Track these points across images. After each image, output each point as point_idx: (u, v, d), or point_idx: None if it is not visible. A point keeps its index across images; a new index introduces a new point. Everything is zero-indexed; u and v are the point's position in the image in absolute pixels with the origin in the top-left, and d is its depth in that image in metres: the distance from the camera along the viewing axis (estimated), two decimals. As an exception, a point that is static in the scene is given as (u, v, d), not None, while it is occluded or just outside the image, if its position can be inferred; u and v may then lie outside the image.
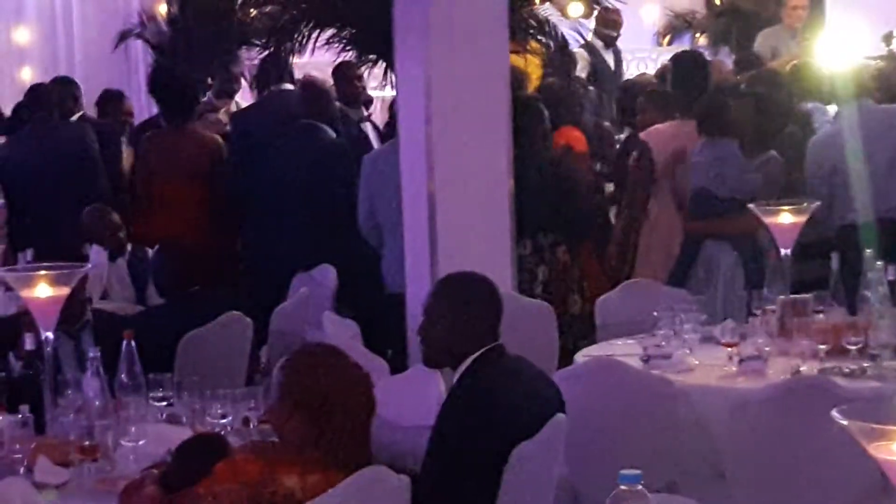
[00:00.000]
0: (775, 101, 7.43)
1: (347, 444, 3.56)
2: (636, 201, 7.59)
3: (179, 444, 3.74)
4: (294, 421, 3.55)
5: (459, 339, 4.32)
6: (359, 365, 3.74)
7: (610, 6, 9.65)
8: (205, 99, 9.97)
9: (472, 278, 4.49)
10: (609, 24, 11.44)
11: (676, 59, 8.41)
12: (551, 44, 8.00)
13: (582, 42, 9.21)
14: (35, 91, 8.80)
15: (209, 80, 10.44)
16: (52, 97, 8.61)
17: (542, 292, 6.98)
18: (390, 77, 7.54)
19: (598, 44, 11.40)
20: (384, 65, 7.75)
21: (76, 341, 5.19)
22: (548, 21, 7.92)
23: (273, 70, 8.36)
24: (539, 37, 7.80)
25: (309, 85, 8.06)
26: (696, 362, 5.34)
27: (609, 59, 11.52)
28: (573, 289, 7.10)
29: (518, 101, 6.86)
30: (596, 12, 11.32)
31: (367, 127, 8.88)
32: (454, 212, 6.31)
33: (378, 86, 8.46)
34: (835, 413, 2.48)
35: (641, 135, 7.74)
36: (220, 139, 8.06)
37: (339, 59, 8.31)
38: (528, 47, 7.94)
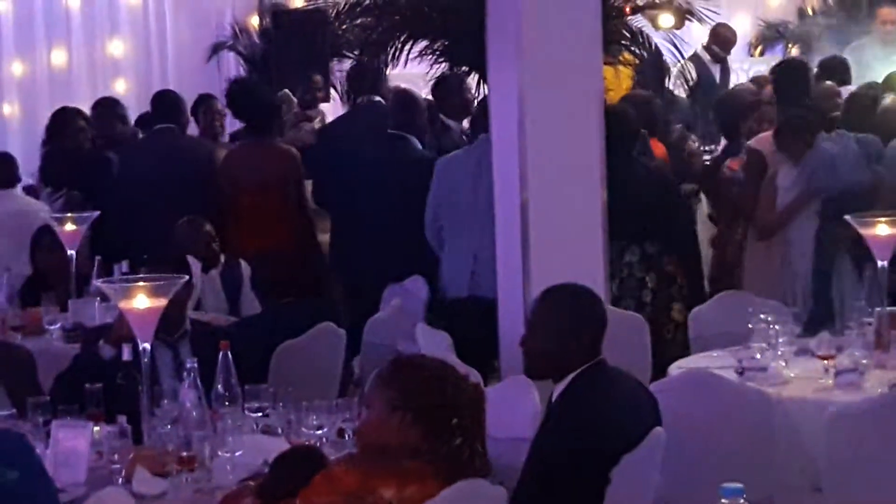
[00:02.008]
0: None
1: (461, 458, 3.56)
2: (740, 207, 7.58)
3: (276, 456, 3.76)
4: (405, 432, 3.53)
5: (563, 351, 4.33)
6: (473, 380, 3.75)
7: (708, 19, 9.57)
8: (295, 110, 10.05)
9: (578, 291, 4.49)
10: (720, 41, 11.33)
11: (778, 70, 8.36)
12: (644, 55, 7.97)
13: (677, 54, 9.13)
14: (162, 100, 8.76)
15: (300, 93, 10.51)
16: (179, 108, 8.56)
17: (650, 300, 6.97)
18: (483, 88, 7.56)
19: (706, 58, 11.36)
20: (477, 76, 7.77)
21: (174, 351, 5.24)
22: (641, 32, 7.90)
23: (365, 81, 8.41)
24: (632, 48, 7.78)
25: (399, 96, 8.10)
26: (792, 375, 5.30)
27: (716, 72, 11.46)
28: (677, 297, 7.08)
29: (609, 109, 6.86)
30: (709, 28, 11.24)
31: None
32: (547, 221, 6.30)
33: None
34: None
35: (750, 142, 7.71)
36: (296, 152, 8.13)
37: (435, 71, 8.33)
38: (621, 58, 7.92)
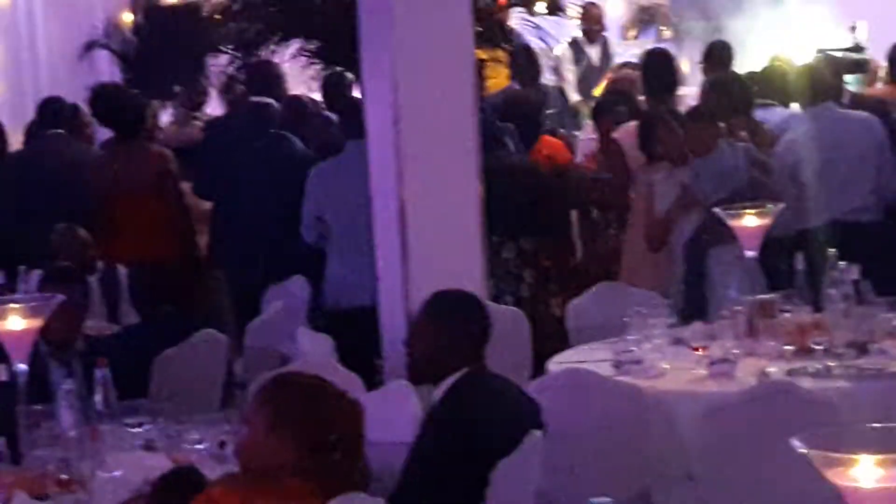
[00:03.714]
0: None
1: (340, 473, 3.60)
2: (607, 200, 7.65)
3: (155, 480, 3.77)
4: (284, 450, 3.55)
5: (445, 356, 4.39)
6: (351, 396, 3.78)
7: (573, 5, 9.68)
8: (171, 110, 9.98)
9: (463, 297, 4.56)
10: (587, 19, 11.54)
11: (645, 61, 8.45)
12: (517, 50, 8.05)
13: (544, 45, 9.23)
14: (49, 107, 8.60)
15: (176, 90, 10.44)
16: None
17: (529, 295, 7.04)
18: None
19: (584, 41, 11.52)
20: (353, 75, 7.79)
21: (69, 369, 5.20)
22: (511, 29, 7.97)
23: (260, 78, 8.35)
24: (504, 44, 7.85)
25: (287, 96, 8.12)
26: (667, 366, 5.39)
27: (594, 52, 11.62)
28: (555, 292, 7.17)
29: (485, 106, 6.93)
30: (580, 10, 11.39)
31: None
32: (425, 221, 6.35)
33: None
34: (794, 441, 2.53)
35: (614, 134, 7.79)
36: (169, 152, 8.08)
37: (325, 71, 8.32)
38: (494, 55, 7.99)
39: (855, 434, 2.60)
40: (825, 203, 7.01)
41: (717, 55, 8.92)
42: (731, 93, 7.64)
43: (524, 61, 8.83)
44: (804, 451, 2.50)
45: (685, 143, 6.84)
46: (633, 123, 7.79)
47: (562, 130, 9.28)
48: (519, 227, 7.02)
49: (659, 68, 8.10)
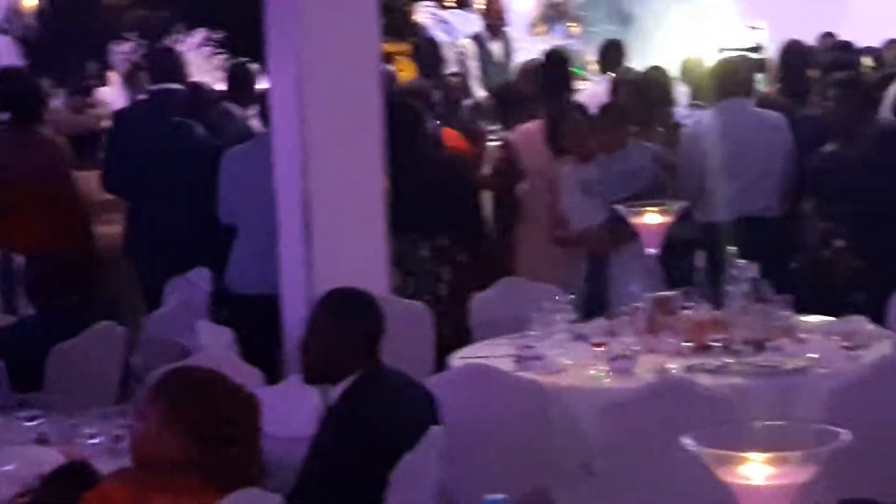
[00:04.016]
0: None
1: (236, 468, 3.57)
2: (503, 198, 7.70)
3: (46, 475, 3.72)
4: (178, 445, 3.52)
5: (340, 356, 4.37)
6: (248, 390, 3.75)
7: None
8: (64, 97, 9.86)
9: (355, 295, 4.53)
10: (489, 13, 11.62)
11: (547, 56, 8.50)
12: (421, 43, 8.06)
13: (449, 39, 9.25)
14: None
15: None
16: None
17: (447, 293, 7.04)
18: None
19: (487, 35, 11.57)
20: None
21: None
22: (416, 23, 7.98)
23: (162, 66, 8.27)
24: (410, 37, 7.85)
25: (189, 84, 8.05)
26: (568, 362, 5.42)
27: (497, 47, 11.67)
28: (475, 287, 7.18)
29: (396, 102, 6.92)
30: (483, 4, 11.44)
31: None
32: (329, 213, 6.34)
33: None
34: (686, 440, 2.55)
35: (512, 134, 7.83)
36: (62, 140, 7.96)
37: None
38: (404, 49, 8.00)
39: (745, 432, 2.63)
40: (731, 199, 7.06)
41: (612, 54, 8.99)
42: (647, 90, 7.70)
43: (428, 54, 8.83)
44: (695, 449, 2.52)
45: (593, 139, 6.89)
46: (534, 122, 7.85)
47: (480, 123, 9.30)
48: (434, 224, 7.00)
49: (555, 67, 8.15)
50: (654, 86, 7.46)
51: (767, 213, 7.11)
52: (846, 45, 9.90)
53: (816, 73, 8.61)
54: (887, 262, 6.40)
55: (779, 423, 2.69)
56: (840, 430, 2.53)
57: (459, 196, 7.18)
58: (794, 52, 8.94)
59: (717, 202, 7.07)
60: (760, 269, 5.67)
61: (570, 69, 8.22)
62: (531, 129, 7.87)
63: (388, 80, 7.89)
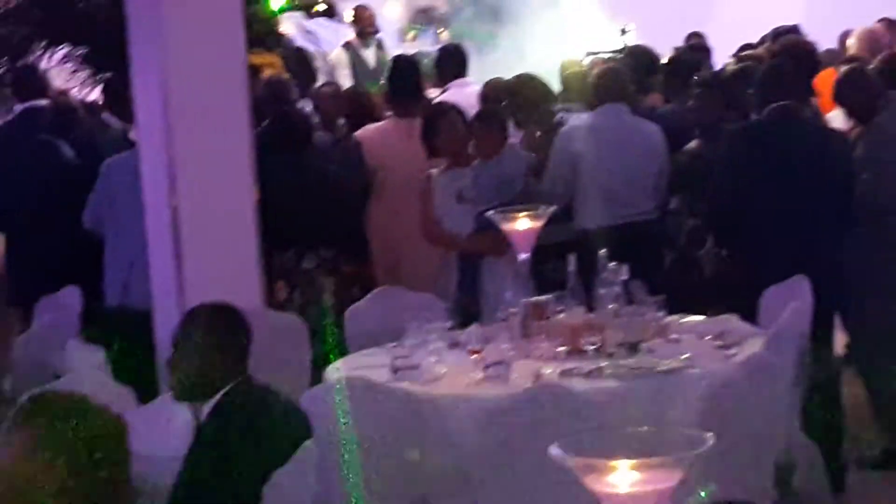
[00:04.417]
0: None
1: (105, 492, 3.50)
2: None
3: None
4: (45, 472, 3.45)
5: (209, 372, 4.35)
6: (113, 411, 3.69)
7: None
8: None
9: (220, 310, 4.49)
10: (359, 20, 11.61)
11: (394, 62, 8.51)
12: (292, 55, 8.02)
13: (315, 50, 9.21)
14: None
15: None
16: None
17: (332, 303, 7.00)
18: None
19: (358, 43, 11.58)
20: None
21: None
22: (284, 34, 7.95)
23: (29, 85, 8.13)
24: (276, 48, 7.82)
25: (57, 101, 7.95)
26: (444, 370, 5.41)
27: (369, 55, 11.66)
28: (359, 297, 7.15)
29: (283, 113, 6.91)
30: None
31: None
32: (199, 226, 6.27)
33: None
34: (553, 449, 2.55)
35: (357, 133, 7.86)
36: None
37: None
38: (272, 60, 7.96)
39: (613, 438, 2.64)
40: (608, 204, 7.10)
41: (451, 59, 8.99)
42: (527, 95, 7.72)
43: (297, 65, 8.81)
44: (562, 457, 2.52)
45: (470, 142, 6.90)
46: (387, 121, 7.90)
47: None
48: (318, 236, 6.97)
49: (403, 72, 8.16)
50: (528, 89, 7.49)
51: (642, 218, 7.16)
52: (701, 46, 10.01)
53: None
54: (754, 258, 6.47)
55: (645, 428, 2.70)
56: (705, 433, 2.54)
57: (343, 207, 7.15)
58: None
59: (594, 207, 7.10)
60: (635, 271, 5.72)
61: (420, 74, 8.24)
62: (382, 127, 7.92)
63: (284, 89, 7.85)
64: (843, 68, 7.67)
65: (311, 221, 6.82)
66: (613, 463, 2.48)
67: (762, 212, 6.47)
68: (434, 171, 7.06)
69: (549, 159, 7.23)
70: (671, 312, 5.76)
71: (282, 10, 7.92)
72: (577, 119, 7.61)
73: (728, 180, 6.60)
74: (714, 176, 6.71)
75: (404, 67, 8.23)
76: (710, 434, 2.53)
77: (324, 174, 7.28)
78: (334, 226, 7.03)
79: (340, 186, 7.33)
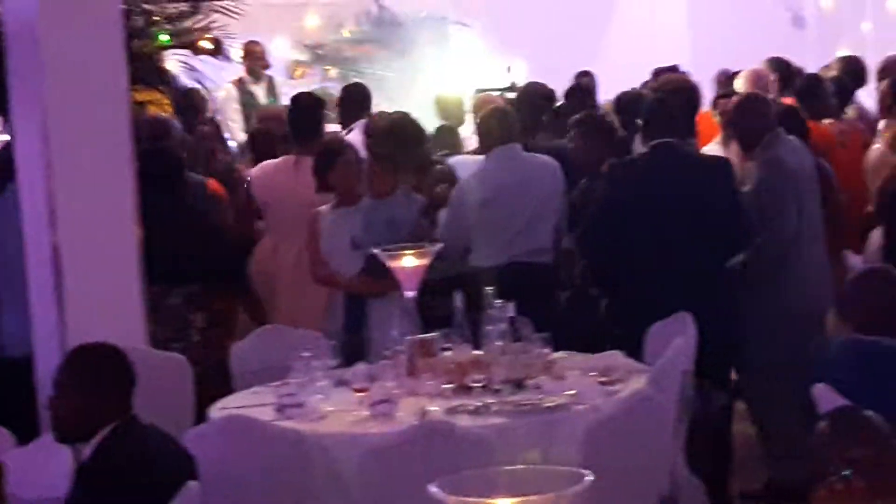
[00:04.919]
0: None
1: None
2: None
3: None
4: None
5: (90, 412, 4.31)
6: None
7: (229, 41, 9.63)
8: None
9: (102, 351, 4.45)
10: (249, 56, 11.60)
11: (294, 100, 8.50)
12: (177, 92, 7.97)
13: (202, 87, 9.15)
14: None
15: None
16: None
17: (200, 340, 6.93)
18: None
19: (249, 79, 11.57)
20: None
21: None
22: (166, 71, 7.89)
23: None
24: (161, 86, 7.76)
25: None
26: (330, 409, 5.39)
27: (260, 91, 11.65)
28: (233, 334, 7.09)
29: (157, 150, 6.85)
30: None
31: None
32: (81, 267, 6.17)
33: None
34: (431, 488, 2.54)
35: (253, 170, 7.86)
36: None
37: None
38: (158, 98, 7.89)
39: (493, 476, 2.64)
40: (508, 244, 7.12)
41: (354, 98, 9.02)
42: (400, 134, 7.72)
43: (184, 103, 8.77)
44: (441, 497, 2.52)
45: (363, 182, 6.88)
46: (283, 158, 7.90)
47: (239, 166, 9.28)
48: (187, 272, 6.91)
49: (303, 110, 8.15)
50: (406, 129, 7.52)
51: (541, 258, 7.18)
52: (588, 86, 10.11)
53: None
54: (638, 295, 6.51)
55: (525, 466, 2.70)
56: (583, 471, 2.55)
57: (213, 242, 7.09)
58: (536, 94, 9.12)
59: (493, 247, 7.10)
60: (530, 309, 5.74)
61: (321, 112, 8.23)
62: (277, 164, 7.92)
63: (160, 127, 7.78)
64: (740, 95, 7.82)
65: (180, 256, 6.76)
66: (492, 502, 2.48)
67: (646, 249, 6.50)
68: (322, 208, 7.03)
69: (447, 209, 7.25)
70: (570, 351, 5.81)
71: (165, 47, 7.86)
72: (470, 165, 7.65)
73: (608, 218, 6.62)
74: (592, 214, 6.73)
75: (305, 104, 8.20)
76: (588, 472, 2.53)
77: (192, 210, 7.23)
78: (204, 261, 6.98)
79: (210, 221, 7.29)
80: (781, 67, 9.70)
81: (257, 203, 7.96)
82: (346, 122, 8.83)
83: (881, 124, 8.43)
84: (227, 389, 6.11)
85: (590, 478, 2.51)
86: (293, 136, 8.01)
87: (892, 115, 8.25)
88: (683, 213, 6.50)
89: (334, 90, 10.47)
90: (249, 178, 8.08)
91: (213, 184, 8.09)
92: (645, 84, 9.93)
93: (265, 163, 8.04)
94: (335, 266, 6.88)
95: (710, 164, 6.93)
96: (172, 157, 7.30)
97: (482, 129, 7.55)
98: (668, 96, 7.42)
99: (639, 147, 7.25)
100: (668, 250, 6.47)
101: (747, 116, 7.17)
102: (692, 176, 6.65)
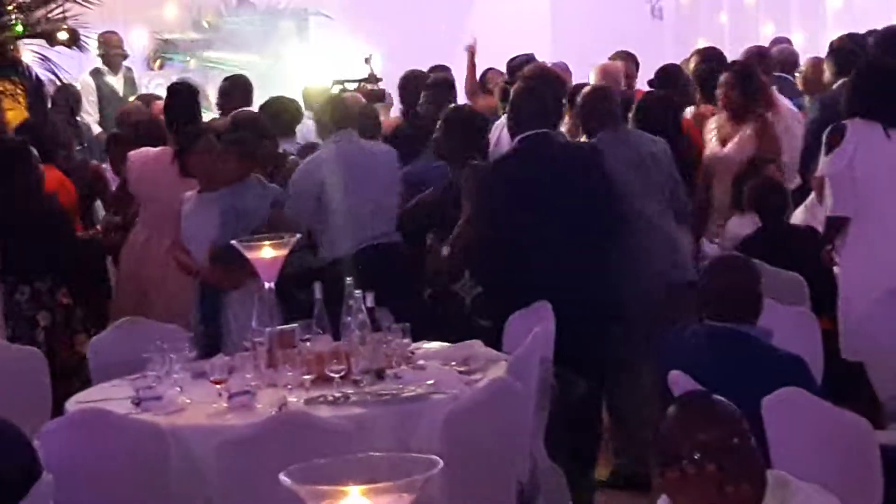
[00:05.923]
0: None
1: None
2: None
3: None
4: None
5: None
6: None
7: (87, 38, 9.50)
8: None
9: None
10: (106, 45, 11.43)
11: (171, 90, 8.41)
12: (29, 84, 7.84)
13: (55, 78, 8.99)
14: None
15: None
16: None
17: (44, 339, 6.83)
18: None
19: (106, 69, 11.40)
20: None
21: None
22: (21, 62, 7.75)
23: None
24: (14, 77, 7.62)
25: None
26: (188, 401, 5.35)
27: (117, 82, 11.48)
28: (80, 330, 6.99)
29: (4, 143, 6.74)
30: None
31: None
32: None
33: None
34: (282, 477, 2.54)
35: (132, 154, 7.76)
36: None
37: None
38: (12, 89, 7.75)
39: (345, 465, 2.64)
40: (352, 230, 7.13)
41: (236, 90, 8.97)
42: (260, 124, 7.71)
43: (34, 95, 8.61)
44: (291, 485, 2.51)
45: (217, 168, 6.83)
46: (158, 148, 7.79)
47: (94, 162, 9.13)
48: (33, 269, 6.79)
49: (179, 101, 8.07)
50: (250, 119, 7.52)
51: (385, 240, 7.20)
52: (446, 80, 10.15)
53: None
54: (501, 286, 6.55)
55: (377, 454, 2.71)
56: (435, 458, 2.56)
57: (60, 238, 6.99)
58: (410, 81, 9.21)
59: (339, 235, 7.11)
60: (386, 293, 5.74)
61: (197, 102, 8.15)
62: (156, 154, 7.80)
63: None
64: (591, 86, 7.94)
65: (28, 253, 6.65)
66: (343, 489, 2.48)
67: (529, 242, 6.45)
68: (188, 193, 6.98)
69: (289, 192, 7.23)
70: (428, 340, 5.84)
71: (19, 36, 7.70)
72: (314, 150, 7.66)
73: (484, 212, 6.63)
74: (471, 209, 6.74)
75: (181, 94, 8.10)
76: (439, 458, 2.55)
77: (39, 203, 7.11)
78: (53, 258, 6.87)
79: (57, 216, 7.16)
80: (631, 59, 10.08)
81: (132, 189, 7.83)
82: (226, 113, 8.74)
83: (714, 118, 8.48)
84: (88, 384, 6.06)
85: (441, 464, 2.52)
86: (169, 126, 7.90)
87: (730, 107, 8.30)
88: (564, 202, 6.49)
89: (195, 81, 10.31)
90: (128, 163, 7.89)
91: (55, 175, 7.90)
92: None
93: (144, 150, 7.85)
94: (194, 252, 6.83)
95: (585, 152, 6.94)
96: (16, 148, 7.16)
97: (317, 117, 7.58)
98: (538, 85, 7.40)
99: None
100: (550, 241, 6.44)
101: (590, 107, 7.32)
102: (570, 165, 6.65)
